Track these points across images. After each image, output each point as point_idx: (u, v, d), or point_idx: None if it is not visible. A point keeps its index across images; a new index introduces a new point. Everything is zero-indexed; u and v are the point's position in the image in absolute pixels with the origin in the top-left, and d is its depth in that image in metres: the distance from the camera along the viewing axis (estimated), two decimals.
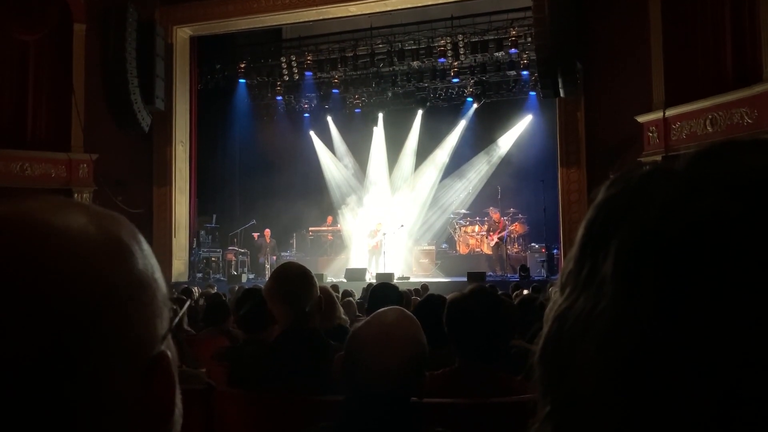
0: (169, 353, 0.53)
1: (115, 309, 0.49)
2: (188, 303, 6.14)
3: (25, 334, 0.45)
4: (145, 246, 0.54)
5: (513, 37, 14.27)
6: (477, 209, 15.69)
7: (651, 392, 0.37)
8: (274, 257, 14.73)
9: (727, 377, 0.35)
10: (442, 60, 14.95)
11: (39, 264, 0.47)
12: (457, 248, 15.47)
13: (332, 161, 17.38)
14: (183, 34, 14.74)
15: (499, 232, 14.14)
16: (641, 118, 11.39)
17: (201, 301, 7.67)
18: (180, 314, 0.57)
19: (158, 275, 0.54)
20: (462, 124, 16.60)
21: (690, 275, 0.37)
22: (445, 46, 14.76)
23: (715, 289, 0.36)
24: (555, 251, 13.08)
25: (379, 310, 1.57)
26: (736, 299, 0.35)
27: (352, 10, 13.87)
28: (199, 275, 14.19)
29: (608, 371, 0.38)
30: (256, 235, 15.25)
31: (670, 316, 0.37)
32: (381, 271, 13.32)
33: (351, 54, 15.41)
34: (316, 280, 2.49)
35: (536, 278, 11.82)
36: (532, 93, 15.54)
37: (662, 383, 0.36)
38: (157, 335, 0.52)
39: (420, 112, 16.78)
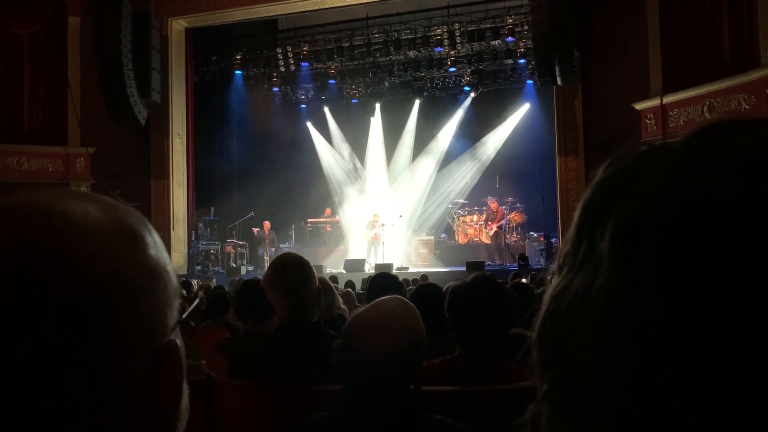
0: (178, 342, 0.54)
1: (127, 297, 0.49)
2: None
3: (38, 318, 0.45)
4: (158, 238, 0.55)
5: (510, 25, 14.22)
6: (475, 199, 15.69)
7: (648, 368, 0.37)
8: (273, 249, 14.74)
9: (724, 351, 0.35)
10: (438, 49, 14.90)
11: (56, 251, 0.47)
12: (456, 238, 15.49)
13: (330, 152, 17.35)
14: (178, 26, 14.68)
15: (498, 222, 14.14)
16: (639, 106, 11.38)
17: (200, 294, 7.68)
18: (191, 308, 0.58)
19: (170, 267, 0.55)
20: (459, 114, 16.57)
21: (686, 251, 0.36)
22: (441, 35, 14.71)
23: (711, 265, 0.36)
24: (554, 240, 13.10)
25: (378, 299, 1.57)
26: (733, 275, 0.35)
27: None
28: (198, 268, 14.21)
29: (605, 348, 0.38)
30: (255, 230, 15.24)
31: (666, 291, 0.36)
32: (380, 261, 13.34)
33: (347, 44, 15.35)
34: (314, 270, 2.49)
35: (535, 267, 11.84)
36: (530, 81, 15.51)
37: (659, 358, 0.36)
38: (167, 325, 0.53)
39: (417, 102, 16.74)
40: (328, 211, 16.37)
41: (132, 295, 0.50)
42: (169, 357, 0.52)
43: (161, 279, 0.53)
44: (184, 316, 0.56)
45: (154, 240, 0.54)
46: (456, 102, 16.72)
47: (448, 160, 16.62)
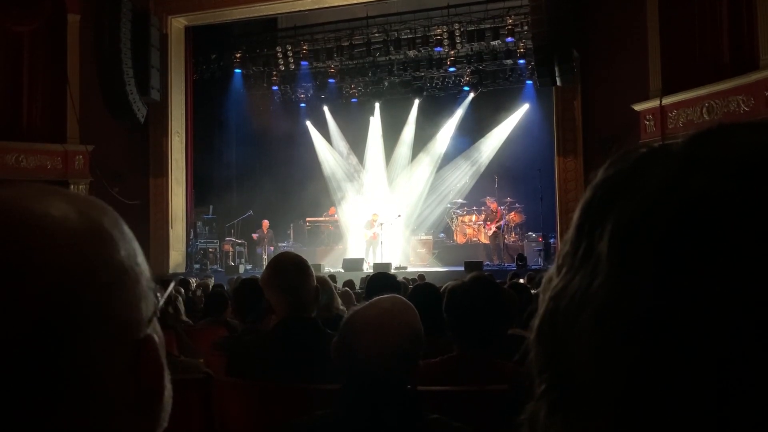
0: (155, 336, 0.54)
1: (95, 294, 0.49)
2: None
3: (5, 314, 0.45)
4: (127, 231, 0.55)
5: (509, 25, 14.22)
6: (474, 199, 15.69)
7: (646, 368, 0.37)
8: (272, 248, 14.73)
9: (722, 351, 0.35)
10: (438, 49, 14.90)
11: (14, 250, 0.47)
12: (455, 238, 15.49)
13: (329, 151, 17.34)
14: (178, 24, 14.67)
15: (497, 222, 14.15)
16: (638, 107, 11.39)
17: (198, 292, 7.68)
18: (164, 296, 0.58)
19: (141, 259, 0.55)
20: (459, 114, 16.57)
21: (685, 252, 0.37)
22: (441, 35, 14.71)
23: (710, 265, 0.36)
24: (552, 240, 13.11)
25: (376, 297, 1.57)
26: (732, 276, 0.35)
27: None
28: (197, 266, 14.20)
29: (603, 348, 0.38)
30: (255, 235, 15.19)
31: (664, 292, 0.37)
32: (378, 261, 13.34)
33: (347, 43, 15.34)
34: (312, 269, 2.49)
35: (533, 267, 11.85)
36: (529, 82, 15.51)
37: (657, 359, 0.36)
38: (142, 319, 0.53)
39: (416, 102, 16.74)
40: (332, 210, 16.31)
41: (101, 291, 0.50)
42: (146, 350, 0.52)
43: (131, 273, 0.53)
44: (160, 305, 0.56)
45: (123, 234, 0.54)
46: (455, 102, 16.72)
47: (447, 159, 16.62)
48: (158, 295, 0.57)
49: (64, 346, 0.47)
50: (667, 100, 10.93)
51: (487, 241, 14.40)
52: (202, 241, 14.85)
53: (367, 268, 12.83)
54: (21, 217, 0.49)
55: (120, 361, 0.51)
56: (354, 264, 13.05)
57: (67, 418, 0.48)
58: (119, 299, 0.51)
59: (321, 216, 16.21)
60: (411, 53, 15.41)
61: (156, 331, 0.54)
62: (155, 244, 13.64)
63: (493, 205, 14.43)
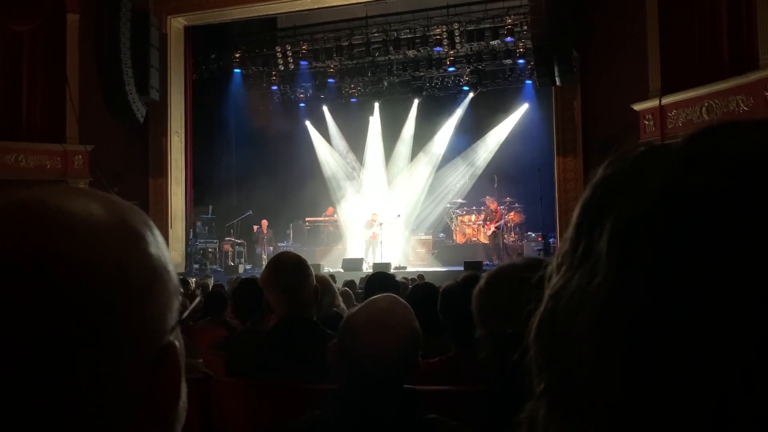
0: (177, 344, 0.53)
1: (125, 299, 0.49)
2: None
3: (29, 319, 0.45)
4: (160, 237, 0.55)
5: (509, 25, 14.22)
6: (474, 199, 15.69)
7: (644, 367, 0.37)
8: (271, 248, 14.74)
9: (721, 350, 0.35)
10: (437, 49, 14.91)
11: (56, 249, 0.47)
12: (454, 238, 15.50)
13: (328, 151, 17.34)
14: (177, 23, 14.67)
15: (496, 222, 14.14)
16: (637, 106, 11.40)
17: (198, 292, 7.68)
18: (191, 308, 0.57)
19: (170, 267, 0.55)
20: (458, 114, 16.57)
21: (684, 251, 0.37)
22: (440, 34, 14.71)
23: (709, 265, 0.36)
24: (552, 240, 13.11)
25: (373, 297, 1.57)
26: (731, 275, 0.35)
27: None
28: (196, 266, 14.20)
29: (602, 347, 0.38)
30: (255, 227, 15.23)
31: (663, 291, 0.37)
32: (378, 261, 13.34)
33: (346, 43, 15.35)
34: (311, 269, 2.49)
35: None
36: (529, 81, 15.52)
37: (656, 358, 0.36)
38: (166, 326, 0.53)
39: (416, 102, 16.74)
40: (330, 210, 16.31)
41: (132, 295, 0.49)
42: (168, 358, 0.52)
43: (162, 279, 0.53)
44: (184, 316, 0.55)
45: (155, 239, 0.54)
46: (455, 102, 16.72)
47: (447, 159, 16.63)
48: (186, 303, 0.56)
49: (83, 351, 0.47)
50: (667, 100, 10.94)
51: (487, 241, 14.39)
52: (202, 240, 14.85)
53: (367, 268, 12.83)
54: (56, 217, 0.48)
55: (141, 367, 0.50)
56: (353, 264, 13.05)
57: (84, 424, 0.47)
58: (147, 305, 0.51)
59: (320, 216, 16.22)
60: (410, 53, 15.41)
61: (178, 338, 0.54)
62: None
63: (493, 205, 14.42)
